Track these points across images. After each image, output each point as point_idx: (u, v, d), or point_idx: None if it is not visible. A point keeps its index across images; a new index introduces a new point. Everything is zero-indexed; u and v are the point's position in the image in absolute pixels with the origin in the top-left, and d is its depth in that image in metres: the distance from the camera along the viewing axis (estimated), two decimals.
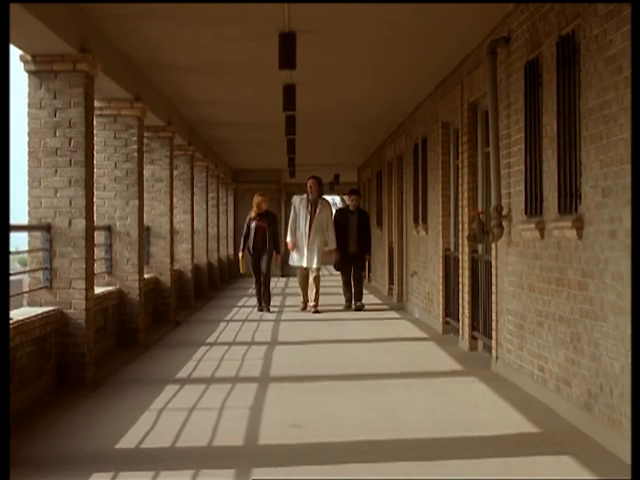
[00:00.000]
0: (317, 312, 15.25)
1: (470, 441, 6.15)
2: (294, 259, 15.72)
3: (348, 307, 15.96)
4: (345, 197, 39.03)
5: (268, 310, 15.60)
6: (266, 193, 16.51)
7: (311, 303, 15.53)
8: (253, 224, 15.75)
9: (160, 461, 5.66)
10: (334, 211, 16.60)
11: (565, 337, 6.84)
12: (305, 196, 15.68)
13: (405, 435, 6.35)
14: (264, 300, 15.73)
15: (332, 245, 15.73)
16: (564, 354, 6.87)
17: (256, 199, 15.93)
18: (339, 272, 16.43)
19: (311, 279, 15.48)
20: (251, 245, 15.70)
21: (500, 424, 6.67)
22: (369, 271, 24.19)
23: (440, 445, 6.08)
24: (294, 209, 15.72)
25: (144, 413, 7.08)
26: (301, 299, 15.87)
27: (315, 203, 15.58)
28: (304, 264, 15.52)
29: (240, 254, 16.07)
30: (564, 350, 6.87)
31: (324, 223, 15.58)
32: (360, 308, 15.85)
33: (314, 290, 15.41)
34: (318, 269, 15.55)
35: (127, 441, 6.19)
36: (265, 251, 15.68)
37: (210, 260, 20.67)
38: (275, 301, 17.65)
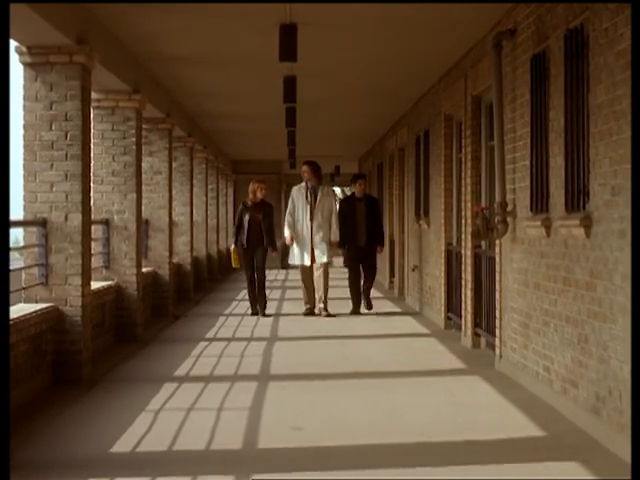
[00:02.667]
0: (330, 316, 13.54)
1: (475, 445, 6.00)
2: (295, 256, 13.89)
3: (355, 312, 14.12)
4: (346, 189, 38.72)
5: (263, 314, 13.81)
6: (265, 180, 14.62)
7: (320, 305, 13.70)
8: (247, 216, 13.98)
9: (157, 466, 5.53)
10: (339, 200, 15.73)
11: (572, 338, 6.69)
12: (303, 184, 14.01)
13: (409, 438, 6.19)
14: (258, 302, 13.99)
15: (334, 237, 13.84)
16: (571, 355, 6.72)
17: (252, 186, 14.10)
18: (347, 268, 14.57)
19: (317, 275, 13.72)
20: (244, 239, 13.94)
21: (505, 426, 6.52)
22: None
23: (445, 449, 5.94)
24: (292, 200, 13.99)
25: (141, 414, 6.94)
26: (304, 301, 13.98)
27: (315, 191, 13.86)
28: (306, 261, 13.75)
29: (232, 247, 14.29)
30: (571, 351, 6.72)
31: (327, 212, 13.85)
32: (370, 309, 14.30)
33: (322, 289, 13.66)
34: (326, 264, 13.80)
35: (123, 444, 6.05)
36: (260, 246, 13.98)
37: (210, 252, 20.52)
38: (274, 295, 17.50)
